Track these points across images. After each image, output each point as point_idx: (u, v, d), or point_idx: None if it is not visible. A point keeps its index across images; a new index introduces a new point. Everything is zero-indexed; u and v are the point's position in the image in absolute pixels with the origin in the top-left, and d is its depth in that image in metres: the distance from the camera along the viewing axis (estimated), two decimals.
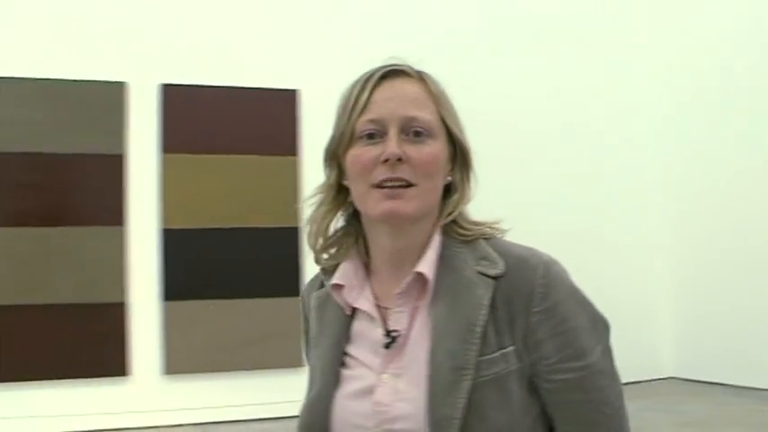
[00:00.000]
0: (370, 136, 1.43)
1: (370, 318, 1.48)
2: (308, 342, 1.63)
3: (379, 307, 1.48)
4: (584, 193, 10.35)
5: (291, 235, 8.99)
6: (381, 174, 1.40)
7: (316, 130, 8.86)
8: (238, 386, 8.97)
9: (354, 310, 1.50)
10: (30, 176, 8.83)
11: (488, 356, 1.34)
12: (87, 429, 8.31)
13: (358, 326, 1.50)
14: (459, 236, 1.46)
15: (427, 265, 1.41)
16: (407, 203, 1.40)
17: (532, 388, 1.39)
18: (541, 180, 10.06)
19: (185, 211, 8.96)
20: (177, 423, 8.75)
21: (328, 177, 1.54)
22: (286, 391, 8.31)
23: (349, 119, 1.46)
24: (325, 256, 1.57)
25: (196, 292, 8.94)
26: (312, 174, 9.00)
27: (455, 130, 1.48)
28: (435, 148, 1.43)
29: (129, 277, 8.83)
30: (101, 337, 8.73)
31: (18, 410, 8.31)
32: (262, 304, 9.06)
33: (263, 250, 9.13)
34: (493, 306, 1.36)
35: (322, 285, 1.59)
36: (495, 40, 10.18)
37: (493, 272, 1.38)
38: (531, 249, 1.43)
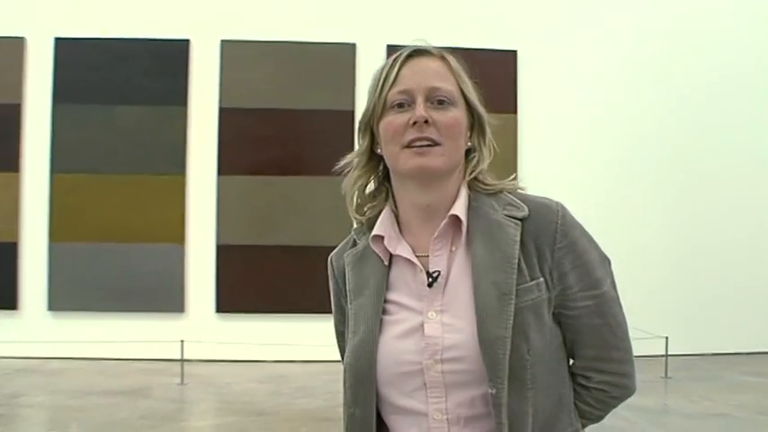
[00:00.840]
0: (400, 105, 1.55)
1: (410, 264, 1.57)
2: (339, 305, 1.73)
3: (416, 255, 1.59)
4: None
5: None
6: (411, 135, 1.53)
7: (532, 88, 9.57)
8: None
9: (391, 260, 1.60)
10: (266, 130, 9.60)
11: (525, 285, 1.49)
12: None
13: (396, 273, 1.60)
14: (484, 190, 1.61)
15: (460, 210, 1.55)
16: (434, 159, 1.53)
17: (557, 319, 1.55)
18: None
19: None
20: None
21: (361, 145, 1.65)
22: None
23: (381, 92, 1.58)
24: (359, 213, 1.68)
25: None
26: (528, 129, 9.67)
27: (473, 100, 1.63)
28: (457, 114, 1.58)
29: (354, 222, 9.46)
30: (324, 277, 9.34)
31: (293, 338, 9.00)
32: None
33: None
34: (522, 243, 1.52)
35: (354, 244, 1.69)
36: None
37: (519, 214, 1.54)
38: (546, 197, 1.61)
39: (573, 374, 1.60)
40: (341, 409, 1.65)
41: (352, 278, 1.62)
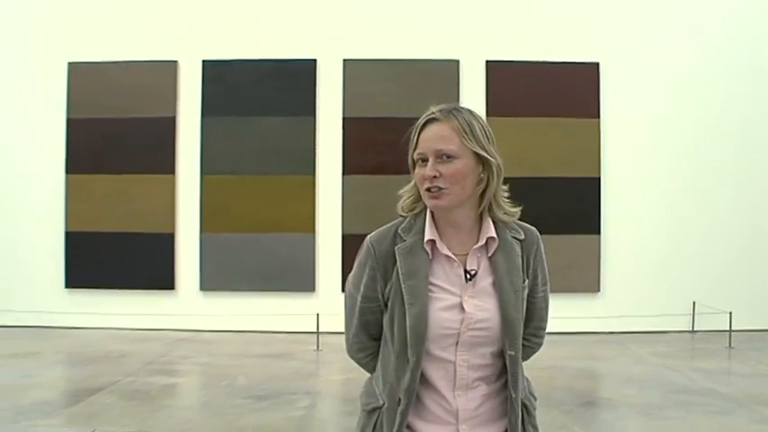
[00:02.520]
0: (422, 161, 2.26)
1: (449, 260, 2.26)
2: (373, 281, 2.36)
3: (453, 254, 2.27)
4: None
5: (592, 185, 11.36)
6: (427, 184, 2.23)
7: (614, 96, 11.28)
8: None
9: (434, 255, 2.28)
10: (382, 136, 11.51)
11: (524, 284, 2.29)
12: None
13: (436, 266, 2.27)
14: (499, 219, 2.32)
15: (492, 233, 2.28)
16: (442, 200, 2.22)
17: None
18: None
19: (504, 163, 11.35)
20: None
21: (412, 172, 2.36)
22: (587, 310, 11.36)
23: (411, 151, 2.33)
24: (407, 214, 2.39)
25: None
26: (610, 133, 11.71)
27: (477, 149, 2.25)
28: (458, 165, 2.22)
29: None
30: None
31: None
32: (566, 240, 11.55)
33: (569, 196, 11.76)
34: (521, 256, 2.31)
35: (396, 238, 2.33)
36: None
37: (520, 237, 2.32)
38: (529, 226, 2.41)
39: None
40: None
41: (403, 264, 2.25)
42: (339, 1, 12.08)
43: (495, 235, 2.27)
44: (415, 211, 2.33)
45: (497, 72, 11.80)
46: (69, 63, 12.33)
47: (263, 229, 11.83)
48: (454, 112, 2.29)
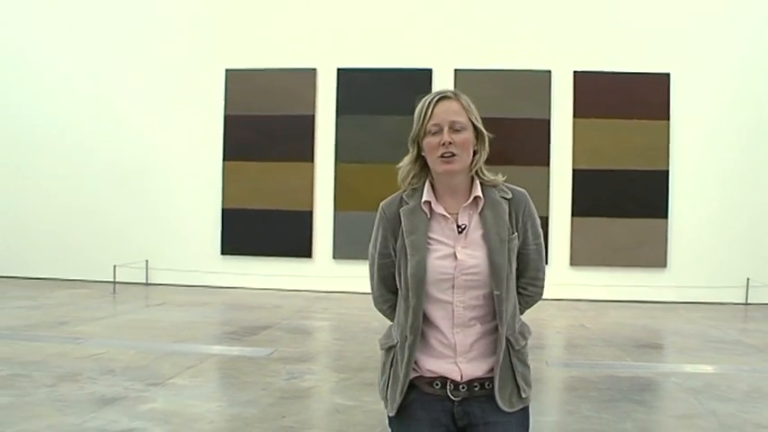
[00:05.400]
0: (435, 132, 2.68)
1: (444, 218, 2.73)
2: (385, 239, 2.83)
3: (447, 213, 2.76)
4: None
5: (661, 176, 14.63)
6: (441, 150, 2.66)
7: (681, 101, 14.30)
8: (618, 277, 14.79)
9: (431, 214, 2.75)
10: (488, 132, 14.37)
11: (512, 236, 2.72)
12: None
13: (434, 223, 2.74)
14: (486, 182, 2.77)
15: (479, 193, 2.73)
16: (454, 165, 2.67)
17: (516, 254, 2.78)
18: None
19: (589, 157, 14.49)
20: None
21: (412, 151, 2.78)
22: (655, 282, 14.14)
23: (423, 123, 2.70)
24: (408, 185, 2.81)
25: (596, 211, 14.91)
26: (678, 132, 14.80)
27: (477, 124, 2.74)
28: (467, 135, 2.69)
29: (551, 198, 14.84)
30: None
31: None
32: (638, 222, 14.69)
33: (641, 186, 14.87)
34: (509, 213, 2.75)
35: (401, 203, 2.79)
36: None
37: (508, 196, 2.76)
38: (517, 188, 2.82)
39: (517, 288, 2.84)
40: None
41: (406, 223, 2.74)
42: (451, 21, 15.33)
43: (480, 194, 2.73)
44: (414, 185, 2.80)
45: (583, 80, 14.84)
46: (227, 69, 15.91)
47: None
48: (459, 93, 2.78)
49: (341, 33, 15.50)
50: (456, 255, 2.69)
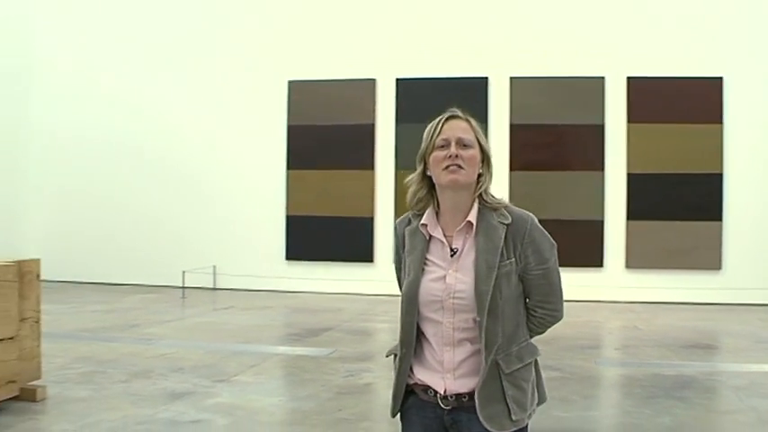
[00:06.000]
0: (442, 146, 2.78)
1: (440, 241, 2.84)
2: (398, 254, 3.00)
3: (445, 236, 2.85)
4: None
5: (715, 179, 15.04)
6: (447, 162, 2.74)
7: (734, 105, 14.53)
8: (673, 280, 15.09)
9: (431, 237, 2.86)
10: (541, 138, 15.02)
11: (503, 262, 2.75)
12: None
13: (432, 245, 2.86)
14: (487, 204, 2.82)
15: (473, 218, 2.79)
16: (459, 176, 2.74)
17: (520, 279, 2.82)
18: None
19: (643, 161, 14.99)
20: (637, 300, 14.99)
21: (418, 167, 2.87)
22: (708, 284, 14.48)
23: (432, 137, 2.81)
24: (415, 206, 2.92)
25: (650, 215, 15.27)
26: (731, 136, 15.13)
27: (484, 145, 2.83)
28: (473, 152, 2.77)
29: (606, 202, 15.26)
30: (585, 243, 15.05)
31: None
32: (692, 225, 15.09)
33: (695, 189, 15.24)
34: (505, 238, 2.77)
35: (409, 223, 2.93)
36: None
37: (506, 222, 2.78)
38: (521, 210, 2.85)
39: (527, 308, 2.91)
40: None
41: (408, 243, 2.91)
42: (506, 30, 15.91)
43: (473, 219, 2.81)
44: (419, 208, 2.92)
45: (636, 86, 15.27)
46: (289, 81, 16.71)
47: None
48: (468, 116, 2.88)
49: (399, 44, 16.16)
50: (446, 278, 2.79)
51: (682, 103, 15.14)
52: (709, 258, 15.14)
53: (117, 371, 8.41)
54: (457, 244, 2.83)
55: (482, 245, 2.77)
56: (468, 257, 2.80)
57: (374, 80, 16.18)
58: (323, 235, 16.18)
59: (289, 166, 16.47)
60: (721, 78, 15.17)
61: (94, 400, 7.18)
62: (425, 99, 15.65)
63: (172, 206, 17.02)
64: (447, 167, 2.76)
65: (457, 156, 2.75)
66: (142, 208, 17.13)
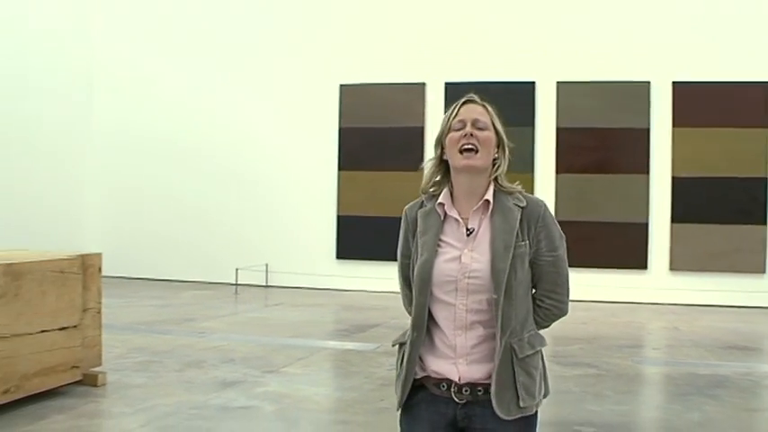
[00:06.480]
0: (458, 129, 2.86)
1: (456, 221, 2.87)
2: (406, 240, 3.03)
3: (460, 217, 2.89)
4: None
5: (757, 184, 15.40)
6: (463, 142, 2.82)
7: None
8: (716, 283, 15.35)
9: (445, 217, 2.89)
10: (587, 142, 15.29)
11: (519, 243, 2.80)
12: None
13: (447, 226, 2.88)
14: (502, 188, 2.90)
15: (490, 197, 2.85)
16: (475, 160, 2.82)
17: (531, 265, 2.87)
18: None
19: (687, 165, 15.32)
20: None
21: (436, 152, 2.97)
22: (753, 287, 14.88)
23: (449, 120, 2.90)
24: (426, 190, 3.00)
25: (695, 218, 15.51)
26: None
27: (499, 129, 2.90)
28: (489, 134, 2.85)
29: (651, 205, 15.56)
30: (629, 246, 15.40)
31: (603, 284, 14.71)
32: (736, 229, 15.33)
33: (739, 192, 15.47)
34: (520, 221, 2.83)
35: (421, 206, 2.98)
36: None
37: (521, 204, 2.86)
38: (535, 197, 2.95)
39: (534, 299, 2.95)
40: None
41: (421, 224, 2.92)
42: (553, 35, 16.28)
43: (491, 199, 2.86)
44: (434, 193, 2.98)
45: (682, 91, 15.52)
46: (341, 85, 17.27)
47: None
48: (484, 101, 2.97)
49: (448, 49, 16.60)
50: (461, 258, 2.81)
51: (726, 108, 15.37)
52: (753, 262, 15.37)
53: (172, 361, 9.03)
54: (473, 224, 2.86)
55: (498, 225, 2.82)
56: (483, 237, 2.84)
57: (424, 84, 16.62)
58: (372, 235, 16.62)
59: (340, 167, 17.00)
60: (767, 83, 15.40)
61: (150, 386, 7.78)
62: None
63: (227, 205, 17.66)
64: (462, 148, 2.82)
65: (472, 135, 2.83)
66: (198, 207, 17.81)
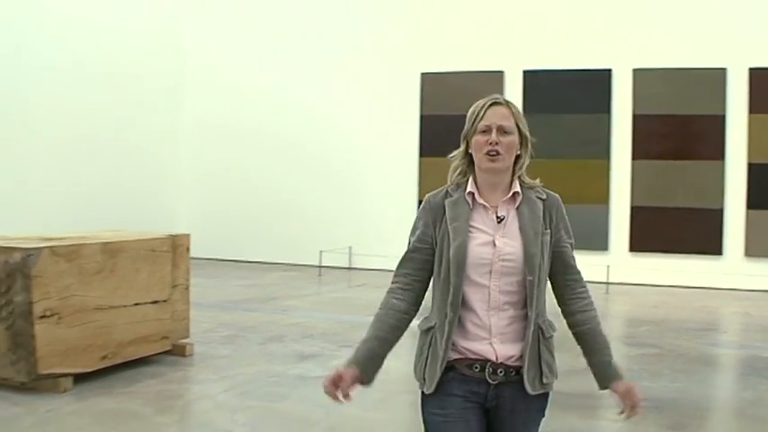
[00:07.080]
0: (484, 131, 3.03)
1: (485, 209, 3.07)
2: (426, 226, 3.16)
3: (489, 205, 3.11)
4: None
5: None
6: (488, 147, 3.01)
7: None
8: None
9: (474, 205, 3.08)
10: (663, 129, 15.62)
11: (544, 231, 3.06)
12: None
13: (476, 213, 3.07)
14: (525, 184, 3.14)
15: (518, 189, 3.08)
16: (498, 163, 3.03)
17: (552, 255, 3.12)
18: None
19: (764, 151, 15.74)
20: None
21: (462, 146, 3.16)
22: None
23: (474, 122, 3.07)
24: (455, 179, 3.17)
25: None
26: None
27: (523, 130, 3.10)
28: (512, 139, 3.05)
29: (726, 191, 15.83)
30: (704, 231, 15.65)
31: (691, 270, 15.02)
32: None
33: None
34: (543, 211, 3.09)
35: (447, 195, 3.15)
36: None
37: (542, 197, 3.12)
38: (552, 192, 3.18)
39: (565, 286, 3.20)
40: None
41: (450, 212, 3.09)
42: (629, 23, 16.59)
43: (519, 191, 3.10)
44: (458, 181, 3.17)
45: (759, 77, 15.74)
46: (422, 73, 17.98)
47: (571, 201, 15.99)
48: (509, 102, 3.14)
49: (525, 38, 17.11)
50: (495, 242, 3.02)
51: None
52: None
53: (255, 335, 9.96)
54: (502, 213, 3.08)
55: (526, 214, 3.06)
56: (512, 225, 3.06)
57: (502, 72, 17.15)
58: None
59: (421, 154, 17.66)
60: None
61: (234, 357, 8.75)
62: (551, 90, 16.56)
63: (311, 190, 18.48)
64: (488, 153, 3.03)
65: (497, 143, 3.02)
66: (283, 191, 18.69)
